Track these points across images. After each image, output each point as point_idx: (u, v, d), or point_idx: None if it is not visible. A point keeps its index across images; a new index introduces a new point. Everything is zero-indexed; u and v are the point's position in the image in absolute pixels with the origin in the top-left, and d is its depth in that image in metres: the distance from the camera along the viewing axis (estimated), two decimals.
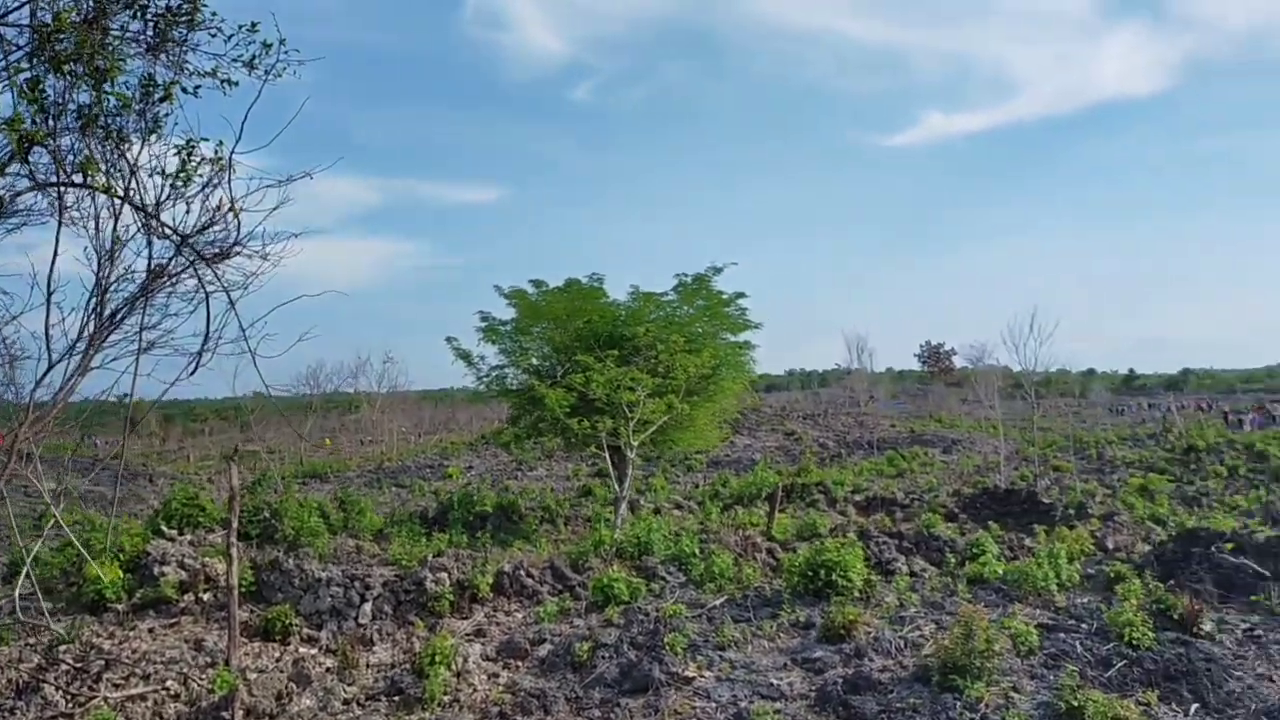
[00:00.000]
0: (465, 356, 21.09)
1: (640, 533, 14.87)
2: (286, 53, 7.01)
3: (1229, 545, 13.40)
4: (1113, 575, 12.95)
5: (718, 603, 11.88)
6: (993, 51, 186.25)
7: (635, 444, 17.73)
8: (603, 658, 9.56)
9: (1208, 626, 10.32)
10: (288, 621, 10.81)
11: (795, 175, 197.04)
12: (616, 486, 18.55)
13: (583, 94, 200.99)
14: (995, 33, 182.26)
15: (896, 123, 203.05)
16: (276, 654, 10.29)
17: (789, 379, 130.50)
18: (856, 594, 11.85)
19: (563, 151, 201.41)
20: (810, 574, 12.01)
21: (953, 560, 14.28)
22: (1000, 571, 13.03)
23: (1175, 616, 10.45)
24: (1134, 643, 9.46)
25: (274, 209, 7.30)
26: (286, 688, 8.83)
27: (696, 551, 14.06)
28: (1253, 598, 11.78)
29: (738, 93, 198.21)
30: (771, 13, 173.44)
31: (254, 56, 6.98)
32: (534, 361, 21.62)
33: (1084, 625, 10.42)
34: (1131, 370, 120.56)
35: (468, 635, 10.97)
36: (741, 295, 21.15)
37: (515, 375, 21.76)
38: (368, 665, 9.88)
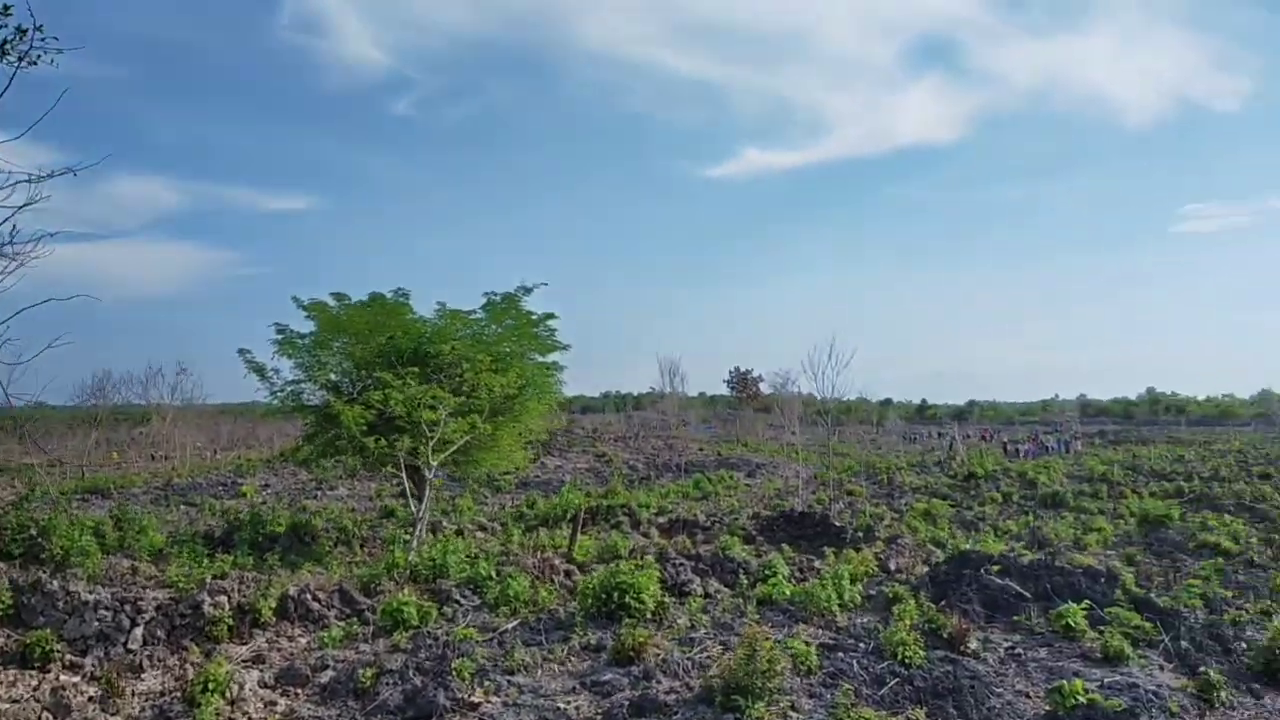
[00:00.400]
0: (259, 370, 20.07)
1: (436, 555, 14.57)
2: (44, 40, 6.42)
3: (996, 568, 14.28)
4: (891, 596, 13.56)
5: (510, 626, 11.71)
6: (807, 93, 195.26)
7: (434, 464, 17.34)
8: (386, 684, 9.25)
9: (974, 645, 10.92)
10: (48, 647, 9.96)
11: (617, 200, 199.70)
12: (414, 507, 18.09)
13: (403, 107, 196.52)
14: (810, 76, 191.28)
15: (715, 155, 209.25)
16: (34, 683, 9.43)
17: (604, 401, 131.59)
18: (649, 616, 11.93)
19: (380, 164, 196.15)
20: (604, 596, 12.02)
21: (745, 582, 14.58)
22: (788, 592, 13.43)
23: (945, 635, 11.01)
24: (906, 661, 9.89)
25: (23, 206, 6.65)
26: (41, 718, 8.10)
27: (493, 574, 13.85)
28: (1015, 617, 12.56)
29: (562, 117, 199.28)
30: (597, 41, 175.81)
31: (5, 41, 6.36)
32: (332, 377, 20.80)
33: (862, 644, 10.82)
34: (924, 400, 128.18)
35: (245, 661, 10.43)
36: (551, 316, 21.11)
37: (312, 391, 20.89)
38: (135, 694, 9.23)
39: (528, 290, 20.55)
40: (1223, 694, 9.66)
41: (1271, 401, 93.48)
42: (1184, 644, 11.37)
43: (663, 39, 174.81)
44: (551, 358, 21.93)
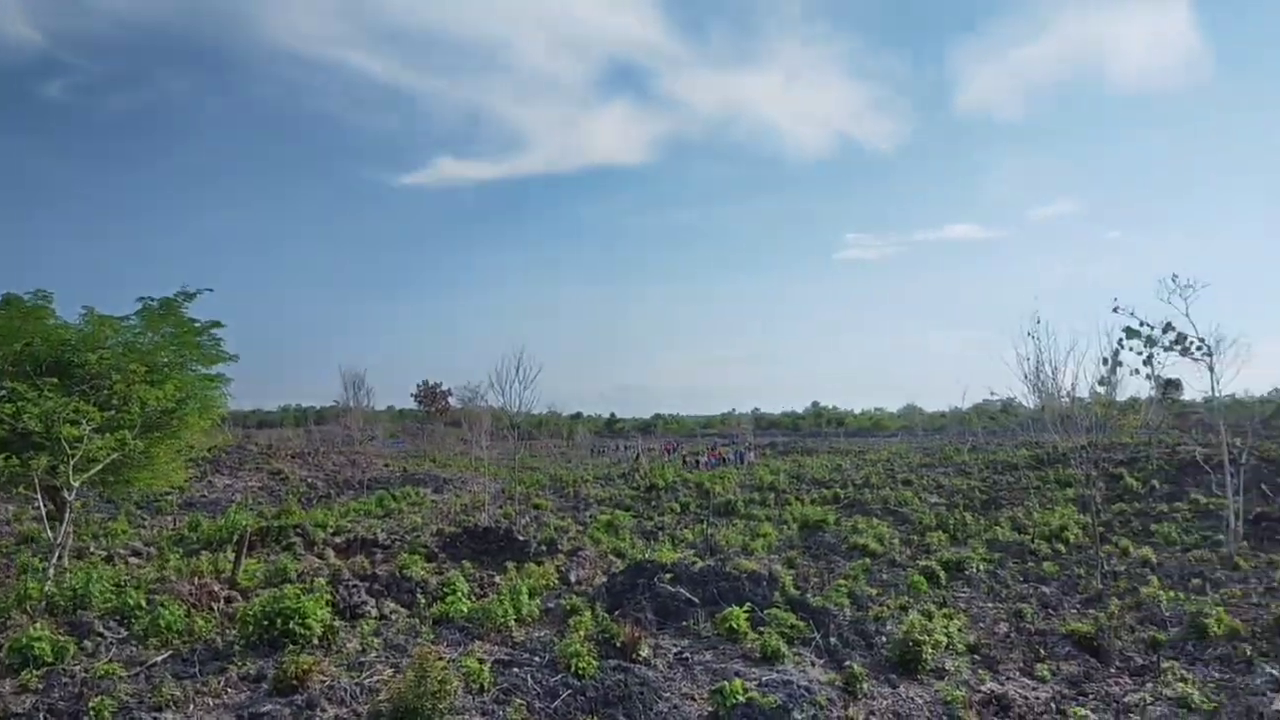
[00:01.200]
0: None
1: (78, 584, 13.20)
2: None
3: (669, 576, 14.82)
4: (569, 608, 13.70)
5: (160, 659, 10.73)
6: (502, 106, 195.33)
7: (76, 484, 15.53)
8: None
9: (645, 652, 11.22)
10: None
11: (302, 204, 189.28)
12: (52, 531, 16.12)
13: (57, 92, 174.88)
14: (505, 89, 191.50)
15: (407, 163, 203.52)
16: None
17: (283, 415, 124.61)
18: (316, 641, 11.29)
19: (30, 152, 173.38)
20: (266, 623, 11.26)
21: (424, 601, 14.20)
22: (466, 610, 13.21)
23: (618, 644, 11.24)
24: (580, 672, 9.99)
25: None
26: None
27: (143, 603, 12.66)
28: (685, 623, 13.08)
29: (241, 114, 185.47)
30: (283, 38, 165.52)
31: None
32: None
33: (537, 658, 10.81)
34: (613, 414, 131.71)
35: None
36: (217, 324, 19.56)
37: None
38: None
39: (190, 296, 18.93)
40: (865, 685, 10.57)
41: (915, 415, 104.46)
42: (833, 640, 12.34)
43: (354, 40, 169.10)
44: (216, 369, 20.35)
